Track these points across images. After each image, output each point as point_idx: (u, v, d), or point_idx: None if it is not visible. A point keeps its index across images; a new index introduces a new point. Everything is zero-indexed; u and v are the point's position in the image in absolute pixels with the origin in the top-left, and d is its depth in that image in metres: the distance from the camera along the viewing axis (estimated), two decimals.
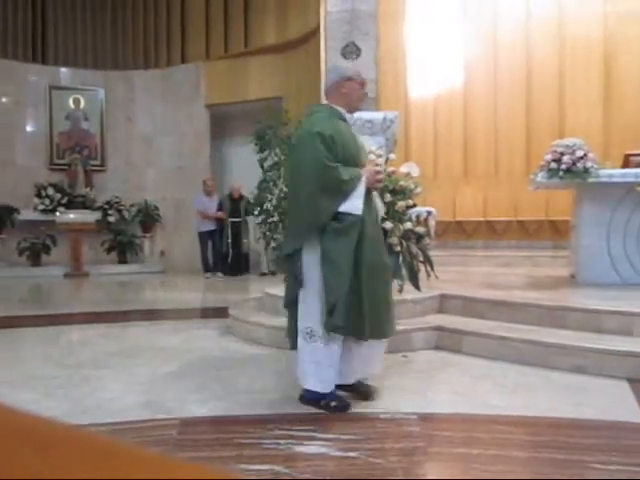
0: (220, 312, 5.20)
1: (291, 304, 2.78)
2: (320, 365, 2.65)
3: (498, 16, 8.50)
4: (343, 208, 2.57)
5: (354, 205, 2.58)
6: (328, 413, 2.66)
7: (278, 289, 5.11)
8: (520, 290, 4.73)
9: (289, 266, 2.74)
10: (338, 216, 2.59)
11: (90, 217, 10.17)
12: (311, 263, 2.63)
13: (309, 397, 2.74)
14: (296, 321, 2.75)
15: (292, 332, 2.80)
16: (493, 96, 8.54)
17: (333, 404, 2.69)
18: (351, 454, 2.22)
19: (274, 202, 8.12)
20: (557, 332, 3.60)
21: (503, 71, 8.50)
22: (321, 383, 2.67)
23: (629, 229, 4.85)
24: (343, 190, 2.59)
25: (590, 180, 4.75)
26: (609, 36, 8.03)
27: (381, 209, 2.90)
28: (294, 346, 2.80)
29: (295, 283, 2.70)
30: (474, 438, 2.39)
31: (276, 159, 8.46)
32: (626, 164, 5.12)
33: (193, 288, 8.22)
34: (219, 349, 4.06)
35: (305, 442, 2.33)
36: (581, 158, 4.73)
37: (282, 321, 4.26)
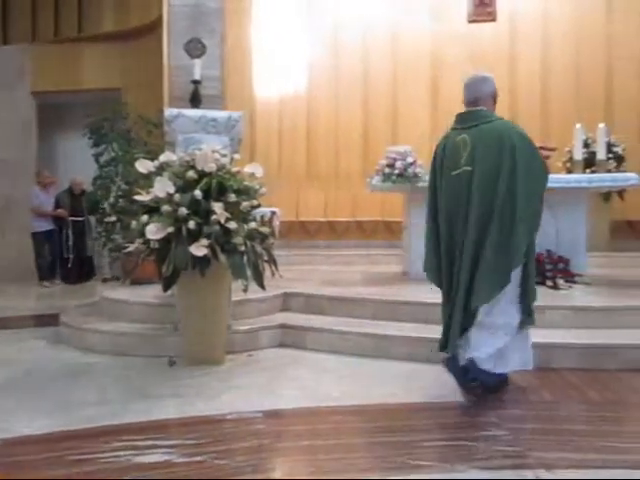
0: (51, 319, 4.76)
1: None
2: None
3: (338, 22, 8.90)
4: None
5: None
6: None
7: (117, 292, 4.84)
8: (358, 286, 5.02)
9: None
10: None
11: None
12: None
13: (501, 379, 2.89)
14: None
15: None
16: (334, 99, 8.92)
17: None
18: (196, 458, 2.18)
19: (111, 200, 7.60)
20: (392, 324, 3.89)
21: (343, 75, 8.92)
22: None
23: None
24: None
25: (419, 185, 5.19)
26: (435, 52, 8.83)
27: None
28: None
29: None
30: (318, 430, 2.49)
31: (113, 154, 7.94)
32: None
33: (23, 295, 7.37)
34: (49, 360, 3.73)
35: (147, 451, 2.24)
36: (411, 164, 5.16)
37: (121, 326, 4.06)
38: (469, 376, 2.84)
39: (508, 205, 2.74)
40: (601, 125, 5.64)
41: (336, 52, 8.93)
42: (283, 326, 3.99)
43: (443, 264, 2.98)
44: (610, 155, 6.97)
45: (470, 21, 8.37)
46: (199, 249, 3.14)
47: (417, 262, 5.36)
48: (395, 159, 5.16)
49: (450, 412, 2.70)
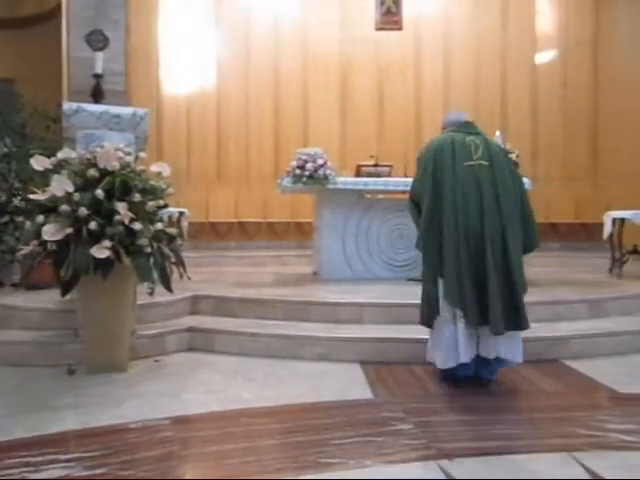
0: None
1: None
2: None
3: (250, 23, 8.85)
4: None
5: None
6: None
7: (9, 298, 4.49)
8: (269, 288, 5.01)
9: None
10: None
11: None
12: None
13: None
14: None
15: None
16: (245, 100, 8.86)
17: None
18: (98, 471, 2.07)
19: (3, 199, 7.05)
20: (302, 325, 3.91)
21: (254, 77, 8.89)
22: None
23: (360, 230, 5.52)
24: None
25: (329, 186, 5.27)
26: (344, 58, 9.02)
27: None
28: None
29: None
30: (227, 434, 2.45)
31: (6, 150, 7.38)
32: (358, 173, 5.82)
33: None
34: None
35: (44, 467, 2.10)
36: (321, 166, 5.23)
37: (13, 334, 3.77)
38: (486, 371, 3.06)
39: (521, 201, 3.10)
40: (497, 132, 6.00)
41: (247, 51, 8.88)
42: (192, 329, 3.89)
43: (462, 253, 2.94)
44: None
45: (377, 29, 8.63)
46: (101, 251, 3.00)
47: (327, 262, 5.48)
48: (306, 161, 5.21)
49: (359, 409, 2.75)
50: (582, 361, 3.56)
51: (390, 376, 3.28)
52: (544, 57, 9.01)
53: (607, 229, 6.07)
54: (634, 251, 6.07)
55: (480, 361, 3.02)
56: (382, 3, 8.82)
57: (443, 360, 3.03)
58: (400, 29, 8.78)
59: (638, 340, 3.86)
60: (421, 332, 3.39)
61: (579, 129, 8.86)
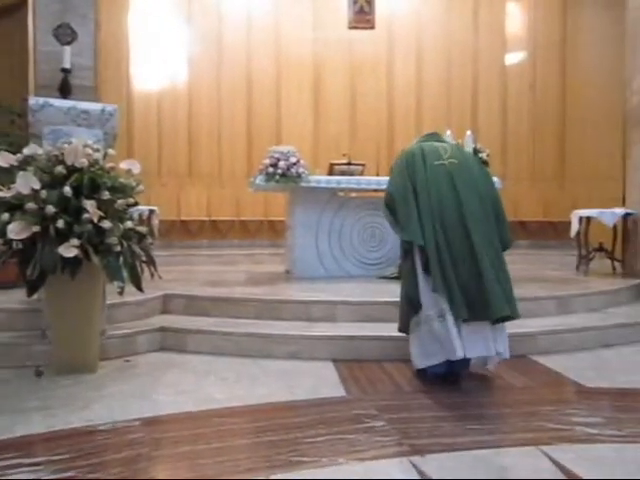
0: None
1: None
2: None
3: (222, 21, 8.78)
4: None
5: None
6: None
7: None
8: (241, 286, 4.98)
9: None
10: None
11: None
12: None
13: None
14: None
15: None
16: (217, 98, 8.79)
17: None
18: (66, 474, 2.03)
19: None
20: (274, 323, 3.90)
21: (226, 75, 8.82)
22: None
23: (333, 228, 5.53)
24: None
25: (302, 185, 5.27)
26: (317, 57, 9.02)
27: None
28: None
29: None
30: (199, 434, 2.43)
31: None
32: (331, 171, 5.83)
33: None
34: None
35: (9, 472, 2.05)
36: (294, 164, 5.21)
37: None
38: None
39: (491, 198, 3.15)
40: (468, 132, 6.07)
41: (219, 48, 8.81)
42: (163, 329, 3.84)
43: (438, 234, 2.98)
44: None
45: (350, 27, 8.65)
46: (69, 250, 2.93)
47: (300, 261, 5.47)
48: (278, 159, 5.19)
49: (332, 407, 2.76)
50: (550, 356, 3.64)
51: (362, 374, 3.30)
52: (514, 58, 9.16)
53: (574, 227, 6.21)
54: (600, 249, 6.22)
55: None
56: (355, 2, 8.85)
57: (426, 356, 3.05)
58: (372, 28, 8.82)
59: (603, 336, 3.96)
60: (393, 329, 3.42)
61: (547, 130, 9.04)
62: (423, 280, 3.02)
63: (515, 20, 9.16)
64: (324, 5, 8.91)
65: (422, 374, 3.17)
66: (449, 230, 2.99)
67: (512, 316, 2.98)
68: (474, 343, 2.91)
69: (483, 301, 2.89)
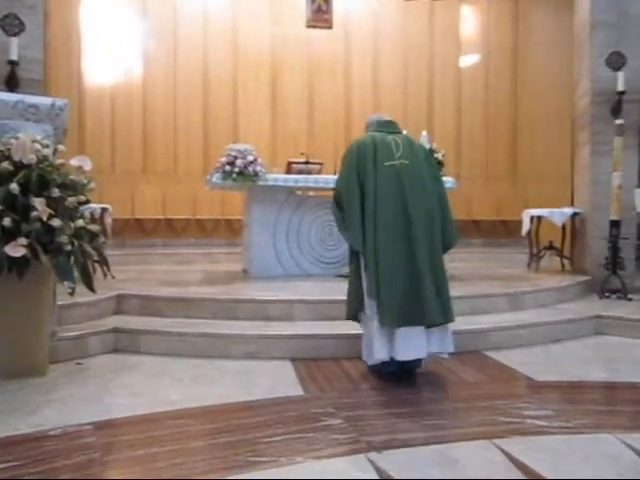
0: None
1: None
2: None
3: (178, 14, 8.63)
4: None
5: None
6: None
7: None
8: (197, 286, 4.91)
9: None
10: None
11: None
12: None
13: None
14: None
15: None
16: (172, 93, 8.62)
17: None
18: None
19: None
20: (231, 323, 3.87)
21: (182, 70, 8.66)
22: None
23: (291, 227, 5.53)
24: None
25: (259, 183, 5.24)
26: (275, 54, 8.97)
27: None
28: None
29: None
30: (153, 437, 2.38)
31: None
32: (289, 170, 5.81)
33: None
34: None
35: None
36: (252, 162, 5.18)
37: None
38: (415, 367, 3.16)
39: (440, 199, 3.21)
40: (424, 132, 6.17)
41: (175, 43, 8.65)
42: (116, 330, 3.75)
43: (379, 239, 3.02)
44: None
45: (308, 26, 8.65)
46: (16, 249, 2.83)
47: (257, 259, 5.44)
48: (235, 157, 5.14)
49: (289, 406, 2.76)
50: (501, 352, 3.74)
51: (320, 372, 3.30)
52: (468, 61, 9.36)
53: (525, 226, 6.40)
54: (550, 247, 6.43)
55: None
56: (313, 1, 8.85)
57: (365, 355, 3.22)
58: (330, 27, 8.84)
59: (553, 331, 4.10)
60: (350, 328, 3.44)
61: (500, 131, 9.27)
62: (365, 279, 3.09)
63: (469, 24, 9.35)
64: (282, 2, 8.88)
65: (375, 371, 3.21)
66: (392, 234, 3.02)
67: (447, 321, 3.06)
68: (406, 347, 2.97)
69: (419, 308, 2.94)
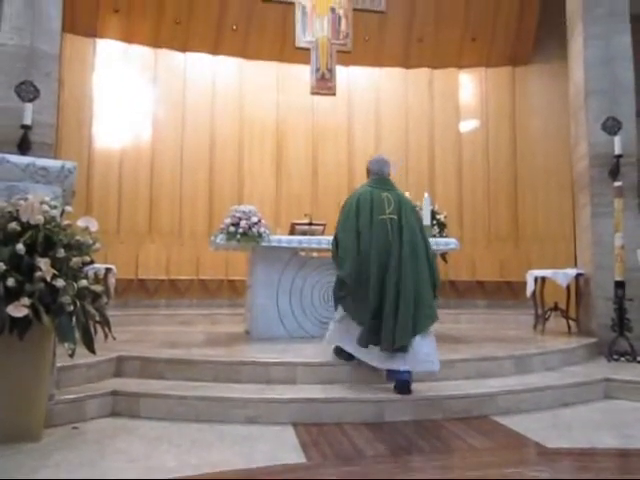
0: None
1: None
2: None
3: (187, 82, 8.97)
4: None
5: None
6: None
7: None
8: (198, 348, 4.85)
9: None
10: None
11: None
12: None
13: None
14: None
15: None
16: (179, 157, 8.84)
17: None
18: None
19: None
20: (232, 386, 3.78)
21: (190, 135, 8.92)
22: None
23: (294, 288, 5.51)
24: None
25: (263, 244, 5.27)
26: (280, 120, 9.26)
27: None
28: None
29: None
30: None
31: None
32: (292, 231, 5.86)
33: None
34: None
35: None
36: (256, 224, 5.23)
37: None
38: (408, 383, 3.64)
39: (424, 245, 3.89)
40: (426, 195, 6.26)
41: (184, 109, 8.95)
42: (115, 393, 3.67)
43: (371, 277, 3.73)
44: (434, 222, 7.74)
45: (312, 93, 8.95)
46: (18, 309, 2.82)
47: (260, 320, 5.39)
48: (240, 218, 5.20)
49: (291, 474, 2.66)
50: (510, 417, 3.63)
51: (323, 438, 3.20)
52: (467, 126, 9.61)
53: (530, 287, 6.37)
54: (555, 308, 6.37)
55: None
56: (317, 69, 9.20)
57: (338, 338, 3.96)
58: (334, 94, 9.12)
59: (562, 395, 3.99)
60: (353, 392, 3.37)
61: (501, 193, 9.39)
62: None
63: (468, 91, 9.67)
64: (287, 71, 9.23)
65: (338, 352, 3.97)
66: (381, 271, 3.70)
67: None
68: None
69: (390, 336, 3.59)
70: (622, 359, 5.07)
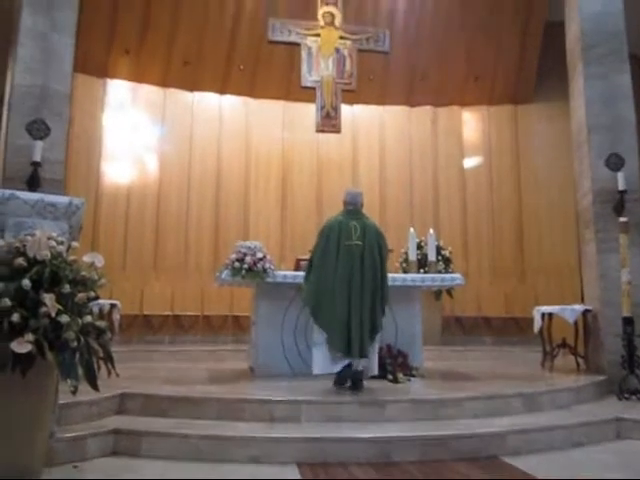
0: None
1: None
2: None
3: (195, 120, 9.14)
4: None
5: None
6: None
7: None
8: (202, 385, 4.79)
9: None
10: None
11: None
12: None
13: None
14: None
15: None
16: (186, 193, 8.94)
17: None
18: None
19: None
20: (235, 425, 3.71)
21: (196, 171, 9.05)
22: None
23: (299, 324, 5.47)
24: None
25: (268, 280, 5.26)
26: (286, 156, 9.38)
27: None
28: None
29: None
30: None
31: None
32: (297, 267, 5.86)
33: None
34: None
35: None
36: (261, 259, 5.24)
37: None
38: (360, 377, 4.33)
39: (381, 267, 4.50)
40: (431, 230, 6.27)
41: (190, 146, 9.10)
42: (117, 431, 3.61)
43: (337, 296, 4.36)
44: (439, 257, 7.74)
45: (318, 131, 9.10)
46: (22, 345, 2.80)
47: (264, 357, 5.34)
48: (245, 254, 5.21)
49: None
50: (520, 458, 3.53)
51: (328, 478, 3.12)
52: (471, 162, 9.70)
53: (537, 323, 6.29)
54: (563, 344, 6.28)
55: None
56: (322, 108, 9.35)
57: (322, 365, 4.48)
58: (338, 132, 9.26)
59: (573, 434, 3.90)
60: (361, 430, 3.30)
61: (505, 228, 9.41)
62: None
63: (471, 128, 9.80)
64: (293, 109, 9.40)
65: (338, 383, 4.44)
66: (347, 289, 4.34)
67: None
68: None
69: (357, 345, 4.26)
70: (634, 397, 4.97)
